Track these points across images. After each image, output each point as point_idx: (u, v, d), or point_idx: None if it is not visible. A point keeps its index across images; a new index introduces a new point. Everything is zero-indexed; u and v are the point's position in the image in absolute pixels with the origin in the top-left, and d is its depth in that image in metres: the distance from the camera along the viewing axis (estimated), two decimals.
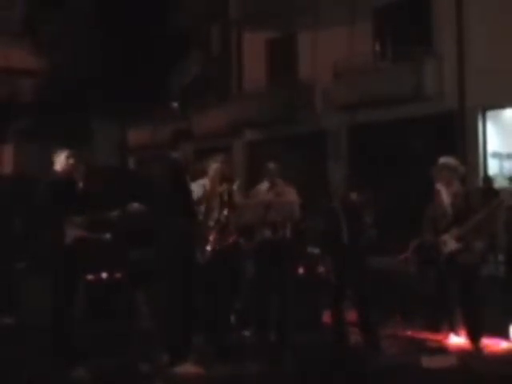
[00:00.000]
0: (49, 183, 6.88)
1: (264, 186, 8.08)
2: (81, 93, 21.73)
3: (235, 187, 7.55)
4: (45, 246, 6.81)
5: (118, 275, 9.20)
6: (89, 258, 7.00)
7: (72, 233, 6.65)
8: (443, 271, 7.61)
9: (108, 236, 8.00)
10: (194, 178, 7.38)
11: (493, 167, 15.72)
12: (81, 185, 7.41)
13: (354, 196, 7.74)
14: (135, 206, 6.94)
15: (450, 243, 7.51)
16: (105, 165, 20.01)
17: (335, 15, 18.25)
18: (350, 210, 7.60)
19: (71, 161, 6.93)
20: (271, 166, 8.09)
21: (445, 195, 7.66)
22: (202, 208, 7.27)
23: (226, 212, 7.40)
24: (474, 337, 7.43)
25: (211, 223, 7.34)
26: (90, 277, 8.71)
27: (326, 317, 8.38)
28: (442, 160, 7.74)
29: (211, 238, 7.29)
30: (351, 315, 7.72)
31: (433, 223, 7.70)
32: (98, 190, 8.02)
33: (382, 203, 9.25)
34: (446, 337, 7.77)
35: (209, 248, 7.24)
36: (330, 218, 7.63)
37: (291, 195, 7.99)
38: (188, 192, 6.80)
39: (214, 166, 7.51)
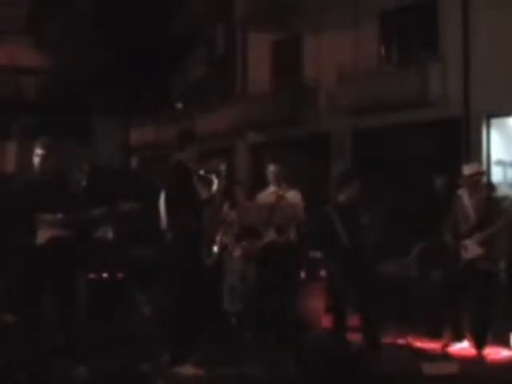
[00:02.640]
0: (15, 181, 6.55)
1: (269, 190, 8.03)
2: (84, 92, 21.75)
3: (240, 188, 7.54)
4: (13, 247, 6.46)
5: (119, 275, 9.17)
6: (72, 257, 6.45)
7: (46, 233, 6.27)
8: (460, 276, 7.54)
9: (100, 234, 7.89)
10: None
11: (496, 175, 15.64)
12: (84, 184, 7.38)
13: (351, 196, 7.61)
14: (128, 204, 6.51)
15: (472, 248, 7.46)
16: (107, 164, 20.02)
17: (341, 18, 18.21)
18: (346, 211, 7.48)
19: (39, 151, 6.38)
20: (272, 168, 8.01)
21: (467, 200, 7.61)
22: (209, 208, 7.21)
23: (232, 212, 7.39)
24: (479, 344, 7.39)
25: (218, 223, 7.31)
26: (90, 276, 8.65)
27: (327, 320, 8.36)
28: (470, 168, 7.67)
29: (218, 238, 7.27)
30: (352, 320, 7.69)
31: (453, 227, 7.63)
32: (100, 189, 7.95)
33: (385, 207, 9.21)
34: (448, 343, 7.74)
35: (216, 248, 7.21)
36: (326, 221, 7.52)
37: (295, 198, 7.94)
38: (194, 192, 6.74)
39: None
